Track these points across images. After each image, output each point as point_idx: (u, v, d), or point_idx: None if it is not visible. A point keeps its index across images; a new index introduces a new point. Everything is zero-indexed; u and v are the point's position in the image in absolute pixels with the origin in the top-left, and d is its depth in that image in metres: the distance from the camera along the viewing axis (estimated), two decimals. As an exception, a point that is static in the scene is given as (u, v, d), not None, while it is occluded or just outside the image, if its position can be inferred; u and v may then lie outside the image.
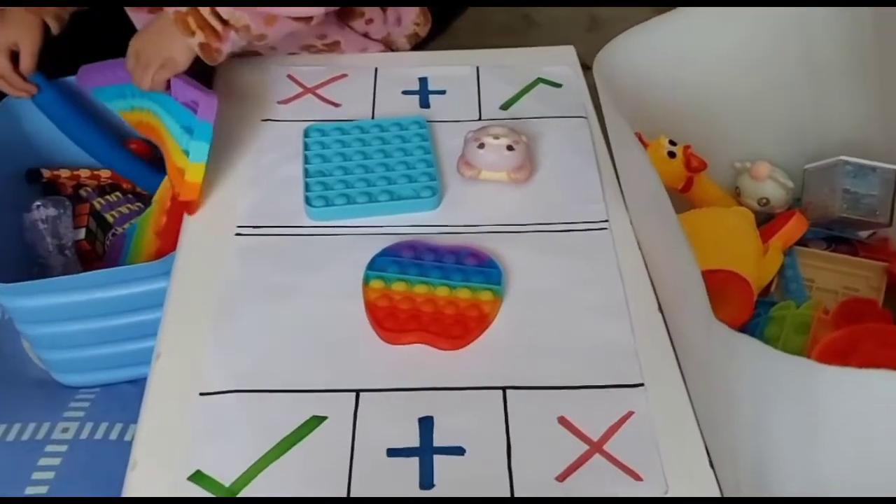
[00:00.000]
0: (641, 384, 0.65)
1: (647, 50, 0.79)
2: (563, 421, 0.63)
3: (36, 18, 0.91)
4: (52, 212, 0.97)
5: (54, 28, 0.93)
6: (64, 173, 1.04)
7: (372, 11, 0.99)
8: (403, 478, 0.59)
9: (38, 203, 0.97)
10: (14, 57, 0.92)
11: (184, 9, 0.80)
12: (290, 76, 0.95)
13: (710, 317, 0.49)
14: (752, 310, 0.68)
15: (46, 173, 1.04)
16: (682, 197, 0.82)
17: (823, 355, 0.60)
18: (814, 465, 0.46)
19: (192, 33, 0.80)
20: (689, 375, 0.65)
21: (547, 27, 2.05)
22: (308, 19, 0.86)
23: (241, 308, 0.70)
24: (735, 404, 0.51)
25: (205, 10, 0.80)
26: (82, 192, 1.04)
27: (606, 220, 0.79)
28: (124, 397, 0.88)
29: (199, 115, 0.78)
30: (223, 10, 0.80)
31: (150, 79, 0.83)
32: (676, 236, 0.57)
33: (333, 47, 0.99)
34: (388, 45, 1.04)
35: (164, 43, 0.82)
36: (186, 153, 0.79)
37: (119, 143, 1.03)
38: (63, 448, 0.82)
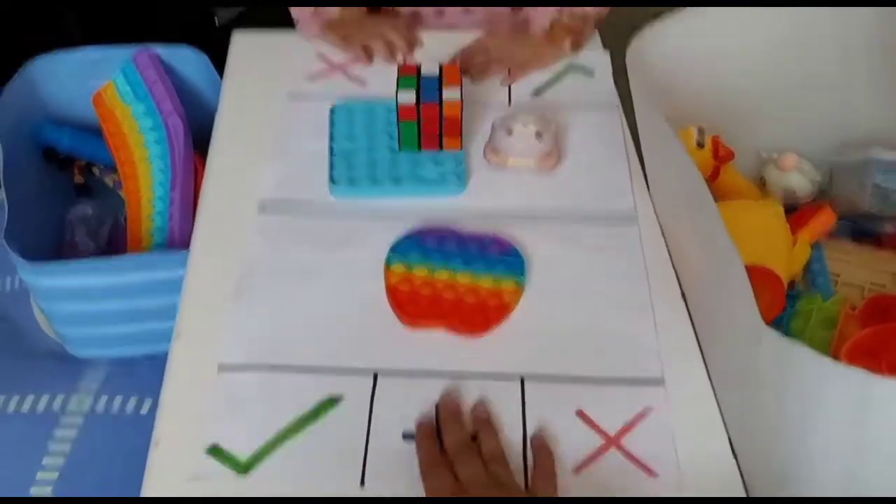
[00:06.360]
0: (661, 381, 0.65)
1: (678, 38, 0.77)
2: (580, 414, 0.62)
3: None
4: (90, 214, 0.97)
5: None
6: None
7: None
8: (417, 462, 0.59)
9: (86, 209, 0.97)
10: None
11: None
12: (319, 52, 0.94)
13: (759, 322, 0.47)
14: (784, 306, 0.67)
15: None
16: (708, 187, 0.81)
17: (852, 354, 0.60)
18: (859, 480, 0.45)
19: None
20: (717, 374, 0.64)
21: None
22: None
23: (262, 284, 0.70)
24: (781, 410, 0.50)
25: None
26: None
27: (634, 215, 0.78)
28: (138, 370, 0.88)
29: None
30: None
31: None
32: (717, 230, 0.56)
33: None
34: None
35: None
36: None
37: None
38: (79, 420, 0.82)
